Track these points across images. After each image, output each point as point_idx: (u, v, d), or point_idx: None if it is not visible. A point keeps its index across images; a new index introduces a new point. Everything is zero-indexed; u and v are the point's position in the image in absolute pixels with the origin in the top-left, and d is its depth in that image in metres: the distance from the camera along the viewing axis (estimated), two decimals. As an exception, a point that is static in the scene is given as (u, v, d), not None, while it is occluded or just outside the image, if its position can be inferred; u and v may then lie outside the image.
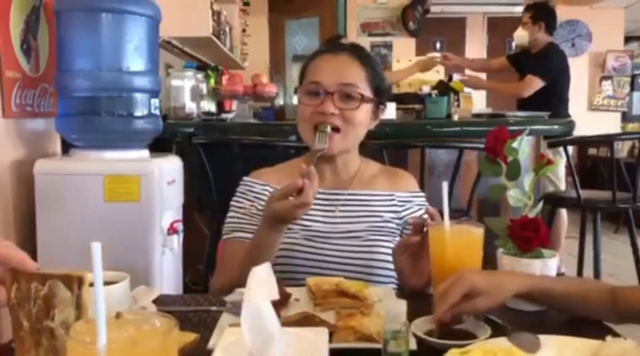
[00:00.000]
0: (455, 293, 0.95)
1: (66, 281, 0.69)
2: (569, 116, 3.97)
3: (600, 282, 1.12)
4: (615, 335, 0.90)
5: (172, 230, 2.05)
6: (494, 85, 4.42)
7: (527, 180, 1.15)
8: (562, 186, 3.86)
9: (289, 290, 1.12)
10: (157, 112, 2.13)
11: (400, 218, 1.39)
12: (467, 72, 4.35)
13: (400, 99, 3.50)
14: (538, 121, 3.30)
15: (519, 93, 3.97)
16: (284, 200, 1.14)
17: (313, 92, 1.33)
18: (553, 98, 3.91)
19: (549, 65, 3.94)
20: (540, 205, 1.16)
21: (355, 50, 1.38)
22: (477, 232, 1.07)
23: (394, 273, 1.32)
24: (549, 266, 1.12)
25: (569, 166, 2.86)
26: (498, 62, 4.39)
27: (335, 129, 1.32)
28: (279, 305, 1.00)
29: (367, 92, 1.35)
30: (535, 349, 0.87)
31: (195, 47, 4.10)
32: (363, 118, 1.35)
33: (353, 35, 6.75)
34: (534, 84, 3.90)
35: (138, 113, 2.02)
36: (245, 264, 1.24)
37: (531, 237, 1.09)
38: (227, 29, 4.39)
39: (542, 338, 0.90)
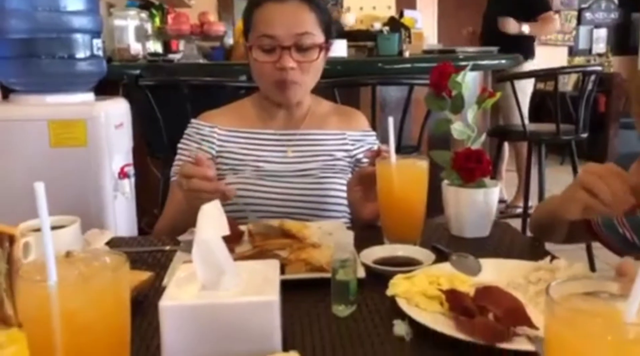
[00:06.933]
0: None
1: None
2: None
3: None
4: (553, 257, 0.96)
5: (122, 175, 2.02)
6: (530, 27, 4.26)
7: (470, 113, 1.19)
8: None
9: (242, 227, 1.14)
10: (100, 53, 2.07)
11: (351, 157, 1.42)
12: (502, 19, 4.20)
13: (352, 36, 3.47)
14: (486, 56, 3.34)
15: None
16: (181, 178, 1.13)
17: (268, 48, 1.29)
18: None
19: None
20: (484, 136, 1.20)
21: None
22: (421, 165, 1.11)
23: (346, 209, 1.35)
24: (491, 195, 1.17)
25: (515, 100, 2.93)
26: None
27: (294, 81, 1.30)
28: (233, 241, 1.03)
29: (321, 37, 1.32)
30: (475, 272, 0.93)
31: (138, -16, 3.91)
32: (320, 64, 1.35)
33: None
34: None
35: (80, 54, 1.95)
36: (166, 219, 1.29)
37: (474, 167, 1.13)
38: (171, -35, 4.19)
39: (483, 261, 0.95)
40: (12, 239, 0.66)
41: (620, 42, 7.22)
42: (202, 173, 1.09)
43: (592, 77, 2.88)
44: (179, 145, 1.41)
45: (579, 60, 7.24)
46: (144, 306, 0.86)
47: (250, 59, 1.33)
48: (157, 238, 1.20)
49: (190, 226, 1.14)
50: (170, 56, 3.17)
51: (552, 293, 0.49)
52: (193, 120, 1.44)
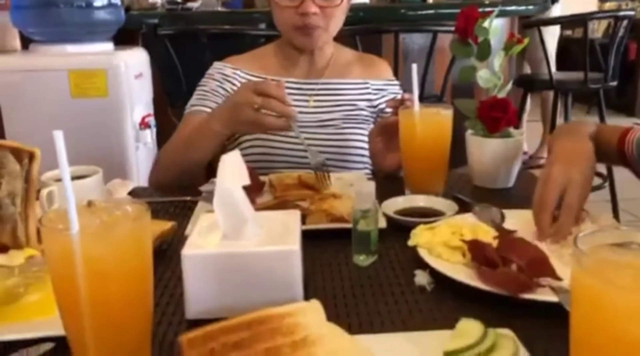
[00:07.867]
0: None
1: (16, 154, 0.67)
2: None
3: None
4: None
5: (144, 125, 2.03)
6: None
7: (497, 60, 1.15)
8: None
9: (263, 178, 1.13)
10: (118, 1, 2.05)
11: (374, 107, 1.39)
12: None
13: (373, -18, 3.36)
14: (513, 1, 3.21)
15: None
16: (250, 93, 1.06)
17: None
18: None
19: None
20: (510, 85, 1.16)
21: None
22: (445, 114, 1.08)
23: (367, 160, 1.34)
24: (517, 145, 1.14)
25: (542, 47, 2.83)
26: None
27: (317, 26, 1.26)
28: (254, 192, 1.02)
29: None
30: (499, 223, 0.91)
31: None
32: (344, 9, 1.30)
33: None
34: None
35: (98, 3, 1.94)
36: (179, 144, 1.23)
37: (500, 116, 1.10)
38: None
39: (506, 212, 0.94)
40: (32, 156, 0.65)
41: (655, -15, 6.89)
42: (282, 95, 1.05)
43: (624, 23, 2.76)
44: (199, 84, 1.38)
45: (609, 5, 6.94)
46: (167, 255, 0.87)
47: (272, 3, 1.29)
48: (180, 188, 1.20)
49: (193, 164, 1.14)
50: (189, 4, 3.11)
51: (580, 245, 0.48)
52: (216, 62, 1.41)
